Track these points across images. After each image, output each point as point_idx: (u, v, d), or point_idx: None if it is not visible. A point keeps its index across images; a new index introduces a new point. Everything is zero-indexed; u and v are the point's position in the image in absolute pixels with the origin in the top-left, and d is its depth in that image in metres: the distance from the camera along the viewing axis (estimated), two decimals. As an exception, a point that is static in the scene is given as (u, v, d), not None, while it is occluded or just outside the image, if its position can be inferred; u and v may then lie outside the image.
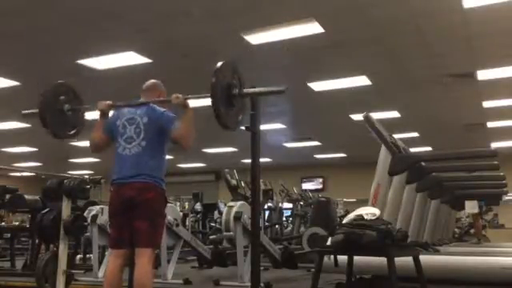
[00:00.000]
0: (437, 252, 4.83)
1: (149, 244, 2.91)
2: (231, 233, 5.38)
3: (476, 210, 8.90)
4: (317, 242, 6.88)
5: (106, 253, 6.08)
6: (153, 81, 3.30)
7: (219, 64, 2.93)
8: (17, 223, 10.95)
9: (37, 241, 6.09)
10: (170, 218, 5.41)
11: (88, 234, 5.85)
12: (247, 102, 3.12)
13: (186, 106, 2.98)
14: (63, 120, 3.47)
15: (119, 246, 2.98)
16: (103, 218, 5.84)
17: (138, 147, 2.99)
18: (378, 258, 3.03)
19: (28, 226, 7.84)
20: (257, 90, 3.13)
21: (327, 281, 4.43)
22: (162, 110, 3.08)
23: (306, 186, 16.94)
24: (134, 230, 2.90)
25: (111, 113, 3.25)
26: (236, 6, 5.48)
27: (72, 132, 3.57)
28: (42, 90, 3.51)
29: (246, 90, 3.05)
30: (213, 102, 2.82)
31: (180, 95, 2.98)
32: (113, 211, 3.07)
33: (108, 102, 3.23)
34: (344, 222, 3.15)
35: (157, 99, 3.15)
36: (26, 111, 3.65)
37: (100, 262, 5.84)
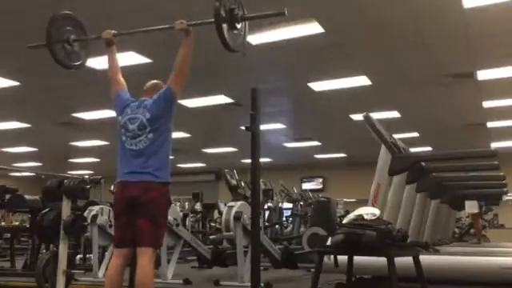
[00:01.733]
0: (437, 252, 4.84)
1: (150, 244, 2.91)
2: (231, 233, 5.38)
3: (476, 210, 8.89)
4: (317, 241, 6.88)
5: (106, 253, 6.09)
6: (154, 81, 3.31)
7: None
8: (17, 223, 10.97)
9: (37, 241, 6.08)
10: (170, 218, 5.41)
11: (88, 233, 5.85)
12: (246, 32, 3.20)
13: (188, 31, 3.10)
14: (70, 50, 3.54)
15: (122, 245, 2.98)
16: (103, 218, 5.85)
17: (145, 141, 3.00)
18: (378, 257, 3.03)
19: (28, 226, 7.85)
20: (258, 13, 3.17)
21: (327, 281, 4.43)
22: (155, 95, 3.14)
23: (306, 186, 16.95)
24: (136, 229, 2.90)
25: (119, 102, 3.24)
26: (236, 6, 5.48)
27: (78, 62, 3.63)
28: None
29: (247, 14, 3.14)
30: (216, 24, 2.93)
31: (184, 21, 3.10)
32: (117, 211, 3.07)
33: (113, 30, 3.35)
34: (344, 222, 3.15)
35: (161, 26, 3.28)
36: (33, 44, 3.67)
37: (100, 262, 5.84)
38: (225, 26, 2.96)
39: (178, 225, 5.68)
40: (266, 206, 9.38)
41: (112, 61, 3.39)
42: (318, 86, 8.42)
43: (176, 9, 5.58)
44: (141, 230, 2.89)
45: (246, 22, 3.17)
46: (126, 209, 2.96)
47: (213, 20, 2.94)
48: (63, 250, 4.19)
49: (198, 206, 11.30)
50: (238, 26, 3.07)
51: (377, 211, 3.20)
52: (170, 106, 3.09)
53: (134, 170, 2.96)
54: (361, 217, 3.06)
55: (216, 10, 2.93)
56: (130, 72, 7.61)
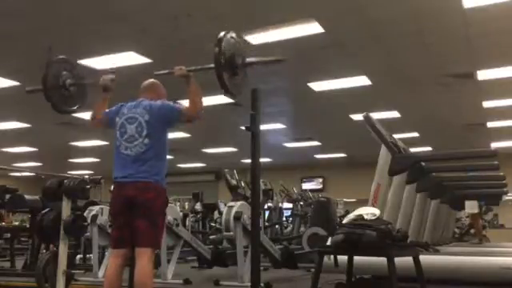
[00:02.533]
0: (437, 252, 4.83)
1: (149, 244, 2.90)
2: (231, 233, 5.38)
3: (476, 210, 8.90)
4: (317, 241, 6.88)
5: (106, 253, 6.09)
6: (151, 80, 3.30)
7: (221, 34, 3.00)
8: (17, 223, 10.96)
9: (37, 241, 6.08)
10: (169, 218, 5.41)
11: (88, 233, 5.85)
12: (249, 71, 3.20)
13: (188, 77, 3.04)
14: (66, 95, 3.54)
15: (120, 245, 2.98)
16: (103, 218, 5.85)
17: (140, 146, 2.98)
18: (378, 257, 3.03)
19: (28, 226, 7.84)
20: (258, 59, 3.19)
21: (327, 281, 4.43)
22: (160, 102, 3.10)
23: (306, 186, 16.95)
24: (135, 229, 2.90)
25: (112, 118, 3.23)
26: (236, 6, 5.48)
27: (74, 107, 3.64)
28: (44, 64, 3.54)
29: (248, 59, 3.13)
30: (216, 71, 2.91)
31: (183, 67, 3.04)
32: (114, 211, 3.07)
33: (110, 76, 3.26)
34: (344, 222, 3.15)
35: (161, 71, 3.21)
36: (30, 88, 3.68)
37: (100, 262, 5.84)
38: (225, 73, 2.95)
39: (177, 225, 5.68)
40: (266, 206, 9.38)
41: (102, 108, 3.23)
42: (317, 85, 8.42)
43: (176, 9, 5.60)
44: (139, 231, 2.89)
45: (246, 68, 3.15)
46: (123, 209, 2.96)
47: (213, 66, 2.93)
48: (63, 250, 4.19)
49: (198, 206, 11.29)
50: (238, 72, 3.06)
51: (377, 211, 3.20)
52: (173, 122, 3.09)
53: (129, 173, 2.96)
54: (361, 217, 3.06)
55: (216, 56, 2.91)
56: (130, 72, 7.67)
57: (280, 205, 10.49)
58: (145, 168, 2.95)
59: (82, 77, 3.62)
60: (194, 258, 7.42)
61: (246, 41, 3.19)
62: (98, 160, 16.19)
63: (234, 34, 3.09)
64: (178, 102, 3.09)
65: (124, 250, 2.96)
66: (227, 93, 3.02)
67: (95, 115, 3.26)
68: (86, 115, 9.71)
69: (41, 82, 3.49)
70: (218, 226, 8.78)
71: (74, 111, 3.67)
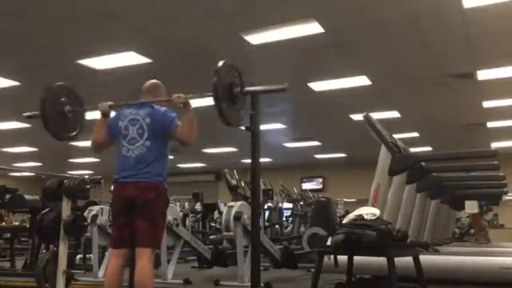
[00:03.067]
0: (437, 252, 4.83)
1: (149, 244, 2.91)
2: (231, 233, 5.38)
3: (476, 210, 8.88)
4: (317, 241, 6.88)
5: (106, 253, 6.08)
6: (152, 81, 3.30)
7: (220, 63, 2.98)
8: (17, 223, 10.96)
9: (37, 241, 6.08)
10: (169, 218, 5.41)
11: (88, 233, 5.85)
12: (248, 99, 3.16)
13: (187, 105, 3.01)
14: (64, 121, 3.52)
15: (120, 245, 2.98)
16: (103, 218, 5.84)
17: (142, 148, 2.99)
18: (378, 258, 3.03)
19: (28, 226, 7.84)
20: (258, 88, 3.17)
21: (327, 281, 4.43)
22: (163, 109, 3.10)
23: (306, 186, 16.94)
24: (135, 229, 2.90)
25: (113, 113, 3.25)
26: (236, 5, 5.48)
27: (73, 133, 3.63)
28: (42, 90, 3.53)
29: (247, 89, 3.12)
30: (215, 100, 2.89)
31: (182, 95, 3.01)
32: (114, 211, 3.07)
33: (109, 102, 3.24)
34: (344, 222, 3.15)
35: (158, 99, 3.16)
36: (28, 113, 3.69)
37: (100, 262, 5.84)
38: (223, 102, 2.93)
39: (177, 225, 5.67)
40: (266, 206, 9.37)
41: (101, 135, 3.20)
42: (318, 85, 8.42)
43: (176, 9, 5.59)
44: (139, 231, 2.89)
45: (245, 97, 3.14)
46: (123, 209, 2.96)
47: (211, 94, 2.91)
48: (63, 250, 4.19)
49: (198, 206, 11.29)
50: (237, 101, 3.05)
51: (377, 211, 3.20)
52: (168, 135, 3.06)
53: (131, 174, 2.97)
54: (361, 217, 3.06)
55: (214, 85, 2.90)
56: (130, 72, 7.67)
57: (280, 205, 10.49)
58: (146, 169, 2.95)
59: (80, 102, 3.60)
60: (194, 258, 7.42)
61: (240, 75, 3.13)
62: (97, 160, 16.17)
63: (232, 64, 3.07)
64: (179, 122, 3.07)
65: (124, 250, 2.97)
66: (225, 123, 2.99)
67: (96, 139, 3.23)
68: (87, 115, 9.74)
69: (39, 109, 3.46)
70: (217, 225, 8.77)
71: (73, 137, 3.66)
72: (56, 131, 3.48)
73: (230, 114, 3.01)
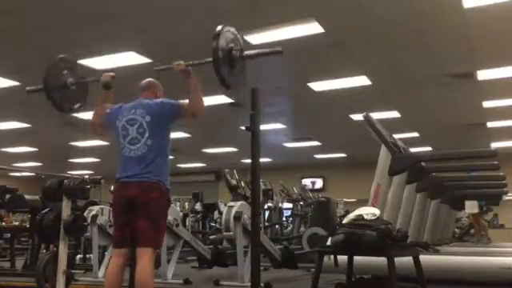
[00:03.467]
0: (437, 252, 4.83)
1: (150, 244, 2.90)
2: (231, 233, 5.38)
3: (476, 210, 8.88)
4: (317, 241, 6.88)
5: (106, 253, 6.08)
6: (147, 79, 3.31)
7: (219, 28, 3.02)
8: (17, 223, 10.96)
9: (37, 241, 6.08)
10: (170, 217, 5.40)
11: (88, 234, 5.85)
12: (246, 68, 3.21)
13: (187, 71, 3.04)
14: (68, 94, 3.53)
15: (121, 245, 2.98)
16: (103, 218, 5.84)
17: (144, 147, 2.98)
18: (378, 258, 3.03)
19: (28, 226, 7.84)
20: (256, 51, 3.22)
21: (327, 281, 4.43)
22: (159, 100, 3.12)
23: (306, 181, 16.97)
24: (136, 229, 2.90)
25: (111, 122, 3.22)
26: (236, 6, 5.48)
27: (76, 106, 3.63)
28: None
29: (246, 52, 3.14)
30: (214, 64, 2.91)
31: (182, 62, 3.05)
32: (116, 211, 3.06)
33: (111, 73, 3.27)
34: (344, 222, 3.15)
35: (161, 67, 3.22)
36: (31, 88, 3.67)
37: (100, 262, 5.84)
38: (223, 66, 2.96)
39: (177, 225, 5.67)
40: (266, 206, 9.37)
41: (103, 109, 3.22)
42: (318, 85, 8.42)
43: (176, 9, 5.60)
44: (141, 230, 2.89)
45: (245, 61, 3.17)
46: (125, 209, 2.96)
47: (211, 60, 2.93)
48: (63, 250, 4.19)
49: (198, 206, 11.29)
50: (236, 65, 3.07)
51: (377, 211, 3.20)
52: (174, 118, 3.08)
53: (135, 173, 2.96)
54: (361, 217, 3.06)
55: (214, 50, 2.92)
56: (130, 72, 7.66)
57: (280, 205, 10.49)
58: (149, 169, 2.95)
59: (82, 75, 3.61)
60: (194, 258, 7.42)
61: (243, 38, 3.16)
62: (98, 160, 16.19)
63: (231, 29, 3.10)
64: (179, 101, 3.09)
65: (125, 250, 2.97)
66: (225, 86, 3.03)
67: (94, 122, 3.25)
68: (86, 115, 9.73)
69: (42, 81, 3.47)
70: (217, 225, 8.78)
71: (77, 110, 3.66)
72: (58, 102, 3.48)
73: (230, 77, 3.03)
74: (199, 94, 3.04)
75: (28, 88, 3.72)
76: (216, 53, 2.92)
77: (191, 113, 3.05)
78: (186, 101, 3.09)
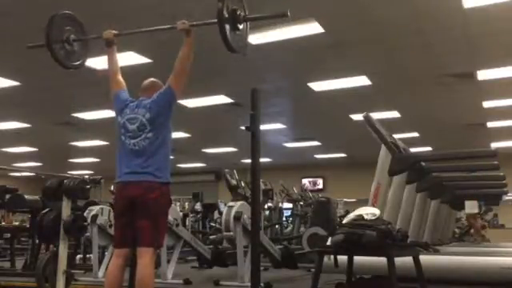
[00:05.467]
0: (437, 252, 4.83)
1: (151, 244, 2.91)
2: (231, 233, 5.38)
3: (476, 210, 8.89)
4: (317, 241, 6.88)
5: (106, 253, 6.08)
6: (151, 79, 3.32)
7: None
8: (17, 223, 10.96)
9: (37, 241, 6.08)
10: (170, 217, 5.40)
11: (88, 234, 5.85)
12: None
13: (189, 31, 3.11)
14: (69, 50, 3.51)
15: (122, 245, 2.98)
16: (103, 218, 5.84)
17: (144, 140, 3.00)
18: (378, 257, 3.03)
19: (28, 226, 7.84)
20: (261, 14, 3.19)
21: (327, 281, 4.43)
22: (154, 96, 3.13)
23: (306, 181, 16.97)
24: (137, 229, 2.91)
25: (118, 104, 3.23)
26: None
27: (78, 62, 3.60)
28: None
29: (250, 15, 3.15)
30: (219, 24, 2.92)
31: (186, 21, 3.10)
32: (117, 211, 3.07)
33: (113, 30, 3.32)
34: (344, 222, 3.15)
35: (163, 26, 3.30)
36: (32, 44, 3.64)
37: (100, 262, 5.84)
38: (227, 26, 2.96)
39: (177, 225, 5.67)
40: (265, 206, 9.37)
41: (112, 61, 3.36)
42: (317, 85, 8.42)
43: (176, 9, 5.59)
44: (141, 231, 2.89)
45: (248, 23, 3.17)
46: (126, 209, 2.96)
47: (215, 21, 2.93)
48: (63, 250, 4.19)
49: (198, 206, 11.29)
50: (240, 26, 3.07)
51: (377, 211, 3.20)
52: (169, 105, 3.09)
53: (134, 170, 2.96)
54: (361, 217, 3.06)
55: (219, 10, 2.93)
56: (130, 72, 7.61)
57: (280, 205, 10.49)
58: (149, 162, 2.95)
59: (84, 31, 3.60)
60: (194, 257, 7.42)
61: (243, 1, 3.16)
62: (98, 160, 16.19)
63: None
64: None
65: (125, 250, 2.97)
66: (229, 49, 3.02)
67: (111, 69, 3.35)
68: (86, 115, 9.76)
69: (44, 35, 3.44)
70: (217, 225, 8.78)
71: (78, 66, 3.63)
72: (61, 58, 3.46)
73: (234, 39, 3.03)
74: (191, 51, 3.14)
75: (29, 44, 3.68)
76: (221, 13, 2.94)
77: (178, 68, 3.11)
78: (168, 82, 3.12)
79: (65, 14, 3.54)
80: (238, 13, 3.04)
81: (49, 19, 3.44)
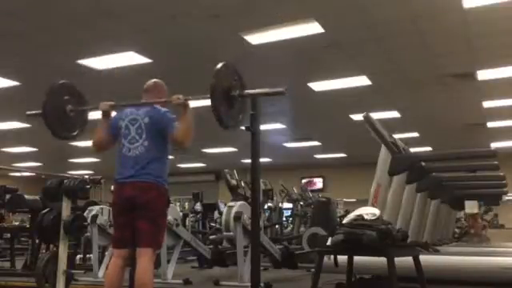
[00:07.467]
0: (437, 252, 4.83)
1: (150, 244, 2.91)
2: (231, 233, 5.38)
3: (476, 210, 8.90)
4: (317, 241, 6.87)
5: (106, 253, 6.08)
6: (154, 80, 3.30)
7: (219, 65, 2.94)
8: (17, 223, 10.95)
9: (37, 241, 6.08)
10: (170, 217, 5.41)
11: (88, 234, 5.85)
12: (247, 102, 3.13)
13: (186, 106, 2.99)
14: (66, 121, 3.50)
15: (121, 245, 2.98)
16: (103, 218, 5.85)
17: (141, 147, 3.00)
18: (378, 258, 3.03)
19: (28, 226, 7.83)
20: (257, 91, 3.14)
21: (327, 281, 4.43)
22: (163, 110, 3.10)
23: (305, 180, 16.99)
24: (136, 229, 2.91)
25: (114, 113, 3.25)
26: (236, 5, 5.47)
27: (75, 133, 3.60)
28: (42, 89, 3.52)
29: (246, 92, 3.07)
30: (212, 103, 2.83)
31: (181, 96, 2.99)
32: (116, 211, 3.07)
33: (110, 102, 3.24)
34: (344, 222, 3.15)
35: (157, 100, 3.15)
36: (30, 112, 3.65)
37: (100, 262, 5.84)
38: (221, 108, 2.87)
39: (177, 225, 5.67)
40: (266, 206, 9.37)
41: (106, 130, 3.20)
42: (317, 85, 8.42)
43: (176, 8, 5.59)
44: (141, 231, 2.90)
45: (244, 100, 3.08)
46: (124, 209, 2.96)
47: (209, 96, 2.84)
48: (63, 250, 4.19)
49: (198, 206, 11.29)
50: (235, 105, 2.99)
51: (377, 211, 3.20)
52: (165, 136, 3.04)
53: (132, 174, 2.97)
54: (361, 217, 3.06)
55: (212, 89, 2.82)
56: (130, 72, 7.67)
57: (280, 205, 10.49)
58: (145, 170, 2.96)
59: (83, 101, 3.58)
60: (194, 258, 7.42)
61: (241, 77, 3.08)
62: (98, 160, 16.17)
63: (231, 65, 3.01)
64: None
65: (125, 250, 2.97)
66: (223, 126, 2.93)
67: (97, 140, 3.23)
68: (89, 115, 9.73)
69: (41, 107, 3.44)
70: (217, 226, 8.77)
71: (74, 137, 3.63)
72: (57, 130, 3.46)
73: (228, 117, 2.96)
74: (190, 130, 2.99)
75: (28, 112, 3.68)
76: (214, 91, 2.83)
77: (175, 141, 2.99)
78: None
79: (63, 84, 3.53)
80: (233, 92, 2.94)
81: (48, 89, 3.44)
